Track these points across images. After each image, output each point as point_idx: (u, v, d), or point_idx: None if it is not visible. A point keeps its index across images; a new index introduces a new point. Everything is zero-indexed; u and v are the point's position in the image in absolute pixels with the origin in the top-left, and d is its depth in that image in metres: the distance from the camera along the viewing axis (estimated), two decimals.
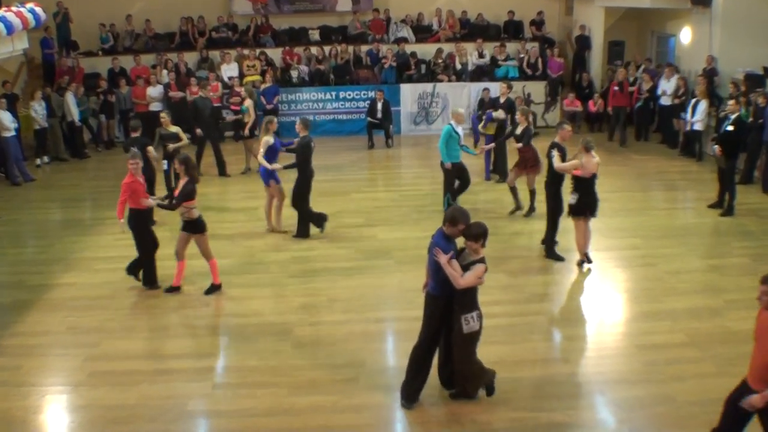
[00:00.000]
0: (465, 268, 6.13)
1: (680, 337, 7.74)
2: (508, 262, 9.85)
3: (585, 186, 9.25)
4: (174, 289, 9.09)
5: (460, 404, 6.55)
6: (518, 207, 11.82)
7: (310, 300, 8.85)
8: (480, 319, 6.27)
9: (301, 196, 10.77)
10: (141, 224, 9.06)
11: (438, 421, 6.36)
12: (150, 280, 9.22)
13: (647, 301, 8.63)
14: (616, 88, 16.92)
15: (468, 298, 6.19)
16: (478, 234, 6.18)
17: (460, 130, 11.64)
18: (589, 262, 9.64)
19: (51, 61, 18.14)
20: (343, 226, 11.36)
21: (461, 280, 6.06)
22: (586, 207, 9.32)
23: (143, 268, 9.23)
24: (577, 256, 9.72)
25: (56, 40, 18.47)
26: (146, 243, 9.09)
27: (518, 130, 11.72)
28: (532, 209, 11.74)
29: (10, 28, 11.78)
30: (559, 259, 9.87)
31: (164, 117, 12.28)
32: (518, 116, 11.94)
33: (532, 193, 11.70)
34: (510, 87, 14.41)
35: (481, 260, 6.18)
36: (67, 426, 6.51)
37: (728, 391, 6.59)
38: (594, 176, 9.25)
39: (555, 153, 9.46)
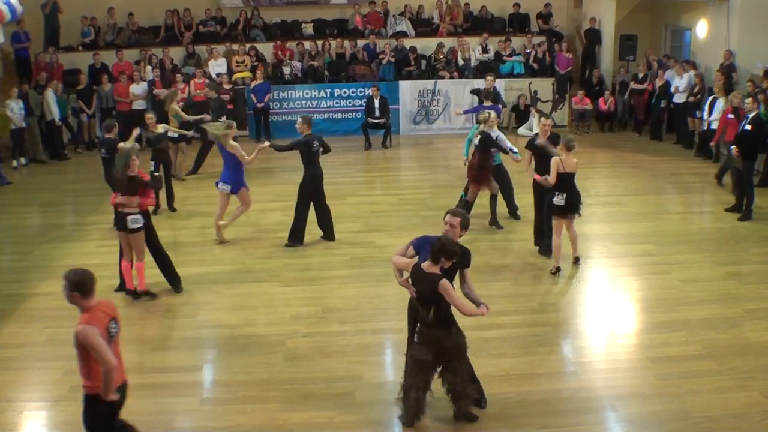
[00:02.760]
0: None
1: (696, 348, 7.77)
2: (513, 270, 9.89)
3: (564, 183, 9.43)
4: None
5: (459, 421, 6.56)
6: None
7: (304, 310, 8.87)
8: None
9: (301, 198, 10.85)
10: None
11: None
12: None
13: (661, 311, 8.67)
14: (730, 116, 13.17)
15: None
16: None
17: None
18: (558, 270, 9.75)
19: (22, 56, 18.08)
20: (338, 232, 11.37)
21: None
22: (572, 206, 9.55)
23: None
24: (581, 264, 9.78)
25: (44, 33, 18.46)
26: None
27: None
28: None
29: None
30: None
31: (150, 118, 12.27)
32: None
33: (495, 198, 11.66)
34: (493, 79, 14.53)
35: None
36: None
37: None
38: (573, 175, 9.46)
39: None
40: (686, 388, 7.00)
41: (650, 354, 7.70)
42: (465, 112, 14.24)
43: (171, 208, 12.59)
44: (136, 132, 11.59)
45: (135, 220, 8.84)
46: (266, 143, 10.84)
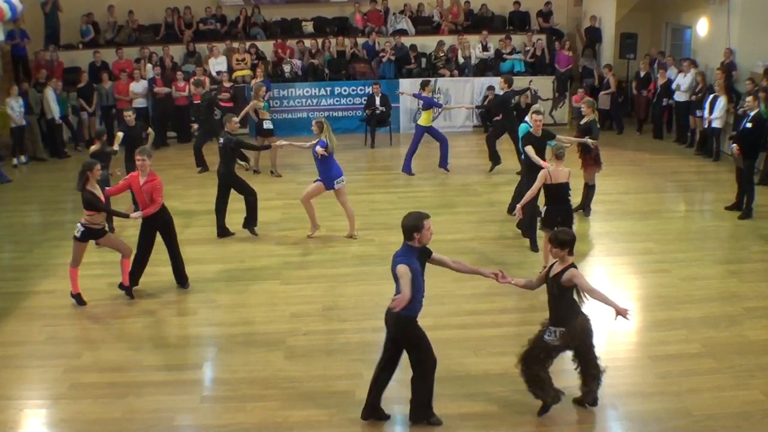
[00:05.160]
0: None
1: (696, 347, 7.77)
2: (515, 268, 9.87)
3: (554, 195, 9.25)
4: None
5: (462, 419, 6.58)
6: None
7: (304, 308, 8.88)
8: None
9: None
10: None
11: None
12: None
13: (661, 310, 8.67)
14: None
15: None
16: (564, 241, 6.29)
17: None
18: None
19: (18, 55, 17.93)
20: (338, 230, 11.38)
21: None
22: (555, 218, 9.18)
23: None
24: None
25: (44, 31, 18.45)
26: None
27: (583, 122, 11.77)
28: (586, 206, 11.93)
29: None
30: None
31: (129, 115, 12.35)
32: (583, 108, 11.87)
33: (592, 188, 11.89)
34: (508, 82, 14.39)
35: (572, 266, 6.32)
36: None
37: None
38: (565, 186, 9.25)
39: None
40: (686, 387, 7.01)
41: (650, 352, 7.71)
42: (415, 95, 15.08)
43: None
44: (120, 135, 11.73)
45: (77, 228, 8.91)
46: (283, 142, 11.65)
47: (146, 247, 9.28)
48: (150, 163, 9.08)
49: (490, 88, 17.71)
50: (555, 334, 6.34)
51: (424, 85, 14.69)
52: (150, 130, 12.67)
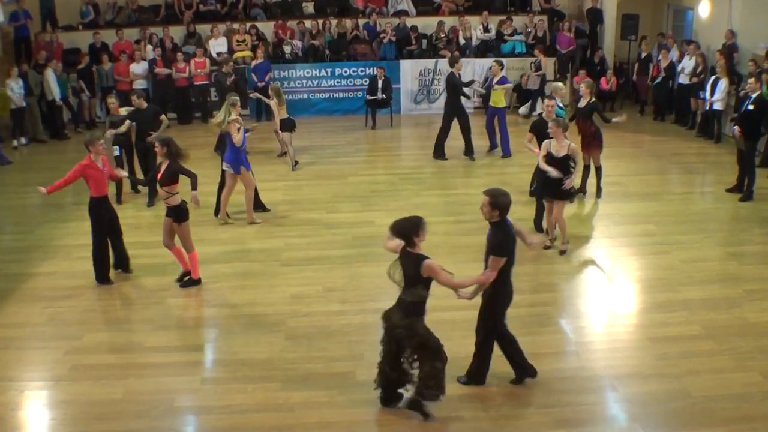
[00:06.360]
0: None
1: (696, 329, 7.76)
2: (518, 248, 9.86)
3: (556, 166, 9.43)
4: (191, 281, 9.03)
5: (462, 400, 6.58)
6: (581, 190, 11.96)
7: (304, 290, 8.87)
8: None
9: None
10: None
11: (440, 417, 6.37)
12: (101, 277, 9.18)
13: (661, 291, 8.66)
14: None
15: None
16: (400, 229, 6.21)
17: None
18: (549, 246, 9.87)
19: (22, 35, 17.79)
20: (338, 211, 11.36)
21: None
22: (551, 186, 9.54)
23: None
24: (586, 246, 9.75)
25: (39, 12, 18.32)
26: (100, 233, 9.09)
27: (582, 104, 11.67)
28: (583, 189, 11.90)
29: None
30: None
31: (112, 102, 12.22)
32: (582, 88, 11.77)
33: (599, 170, 11.83)
34: (452, 63, 14.36)
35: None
36: (48, 422, 6.53)
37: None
38: (566, 158, 9.41)
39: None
40: (686, 368, 7.01)
41: (650, 334, 7.70)
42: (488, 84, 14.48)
43: (134, 189, 12.56)
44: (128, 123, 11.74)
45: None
46: (256, 125, 10.91)
47: (100, 240, 9.09)
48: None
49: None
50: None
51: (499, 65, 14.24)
52: (164, 116, 12.25)
